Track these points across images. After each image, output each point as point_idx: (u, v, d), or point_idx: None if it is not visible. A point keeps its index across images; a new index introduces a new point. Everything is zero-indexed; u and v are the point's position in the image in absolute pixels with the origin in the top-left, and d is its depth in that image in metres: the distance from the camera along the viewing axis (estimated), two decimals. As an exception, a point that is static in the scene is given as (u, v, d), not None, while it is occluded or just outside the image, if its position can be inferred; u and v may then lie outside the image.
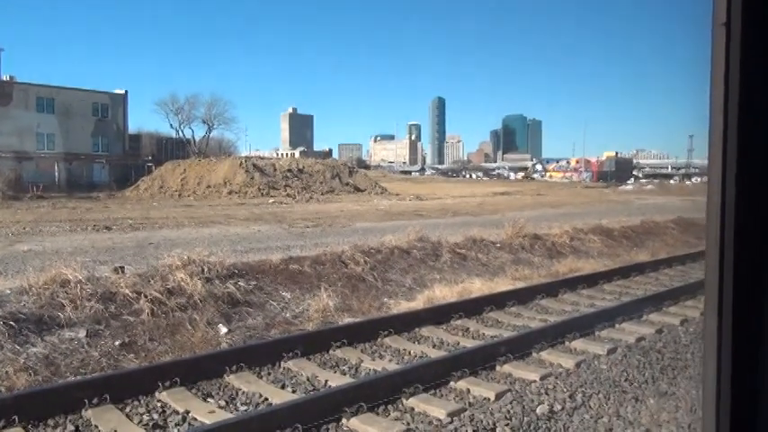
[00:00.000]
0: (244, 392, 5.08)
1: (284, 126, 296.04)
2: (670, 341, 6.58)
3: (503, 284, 9.54)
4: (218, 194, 41.20)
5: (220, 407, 4.77)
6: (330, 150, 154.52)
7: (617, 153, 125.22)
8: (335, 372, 5.67)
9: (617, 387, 5.15)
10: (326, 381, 5.36)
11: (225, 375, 5.35)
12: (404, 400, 4.78)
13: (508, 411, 4.58)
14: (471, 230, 12.70)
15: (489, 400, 4.89)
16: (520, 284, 9.59)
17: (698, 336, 6.74)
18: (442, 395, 5.02)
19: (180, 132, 72.33)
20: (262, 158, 61.34)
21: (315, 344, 6.19)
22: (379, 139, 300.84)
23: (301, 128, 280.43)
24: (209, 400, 4.94)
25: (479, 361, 5.65)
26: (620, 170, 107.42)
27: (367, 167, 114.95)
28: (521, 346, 6.08)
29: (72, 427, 4.33)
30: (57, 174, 49.97)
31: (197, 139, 72.92)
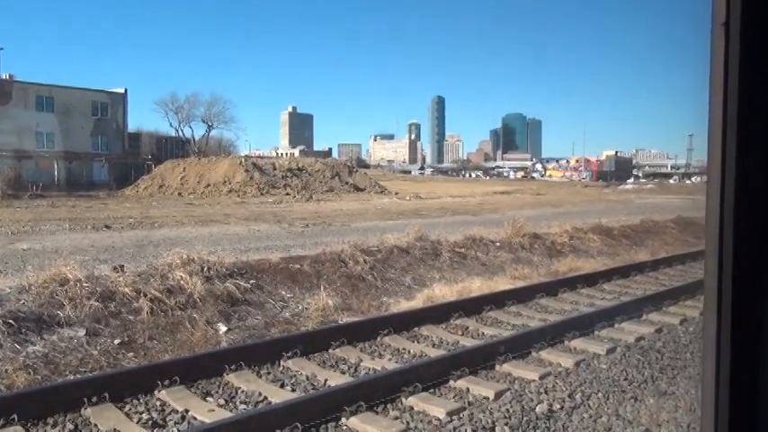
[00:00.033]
0: (243, 391, 5.08)
1: (284, 125, 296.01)
2: (669, 341, 6.59)
3: (502, 284, 9.54)
4: (218, 193, 41.19)
5: (220, 406, 4.78)
6: (330, 149, 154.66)
7: (616, 152, 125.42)
8: (335, 371, 5.67)
9: (616, 386, 5.15)
10: (326, 380, 5.37)
11: (224, 374, 5.35)
12: (403, 400, 4.79)
13: (507, 410, 4.58)
14: (471, 229, 12.69)
15: (489, 399, 4.89)
16: (519, 284, 9.59)
17: (697, 335, 6.74)
18: (441, 394, 5.02)
19: (179, 131, 72.37)
20: (261, 158, 61.36)
21: (314, 343, 6.19)
22: (378, 138, 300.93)
23: (301, 127, 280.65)
24: (208, 398, 4.95)
25: (479, 360, 5.65)
26: (620, 169, 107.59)
27: (367, 167, 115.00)
28: (520, 346, 6.09)
29: (71, 426, 4.33)
30: (56, 172, 49.93)
31: (197, 138, 72.95)
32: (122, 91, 60.27)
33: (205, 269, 7.93)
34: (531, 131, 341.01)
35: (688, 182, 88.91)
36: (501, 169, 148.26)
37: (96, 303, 6.60)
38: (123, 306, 6.84)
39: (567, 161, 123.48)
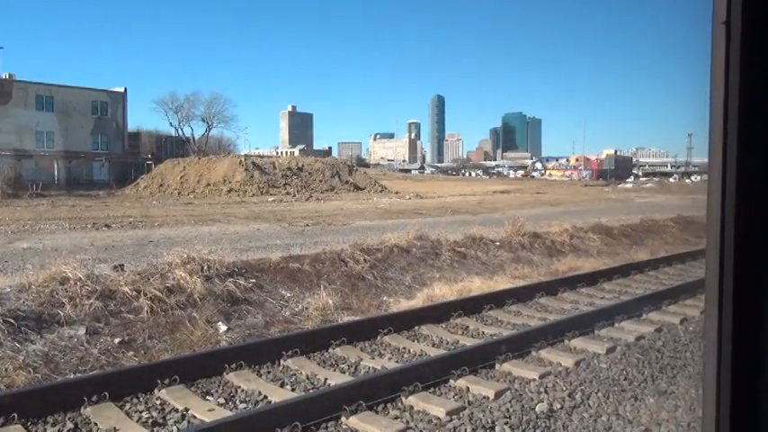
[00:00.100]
0: (243, 390, 5.09)
1: (284, 124, 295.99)
2: (669, 340, 6.59)
3: (502, 283, 9.54)
4: (218, 193, 41.15)
5: (220, 405, 4.78)
6: (330, 149, 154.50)
7: (616, 151, 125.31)
8: (335, 370, 5.67)
9: (616, 386, 5.15)
10: (326, 379, 5.37)
11: (224, 373, 5.35)
12: (403, 399, 4.79)
13: (507, 410, 4.58)
14: (471, 229, 12.69)
15: (489, 398, 4.89)
16: (519, 283, 9.59)
17: (697, 335, 6.74)
18: (441, 393, 5.02)
19: (179, 131, 72.40)
20: (261, 157, 61.38)
21: (314, 342, 6.19)
22: (378, 137, 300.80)
23: (301, 126, 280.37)
24: (208, 398, 4.95)
25: (479, 359, 5.65)
26: (620, 168, 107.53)
27: (366, 166, 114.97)
28: (520, 345, 6.09)
29: (71, 425, 4.33)
30: (56, 172, 49.90)
31: (196, 137, 73.00)
32: (122, 90, 60.28)
33: (205, 268, 7.93)
34: (530, 130, 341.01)
35: (688, 181, 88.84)
36: (501, 168, 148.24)
37: (96, 302, 6.60)
38: (123, 305, 6.84)
39: (567, 160, 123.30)
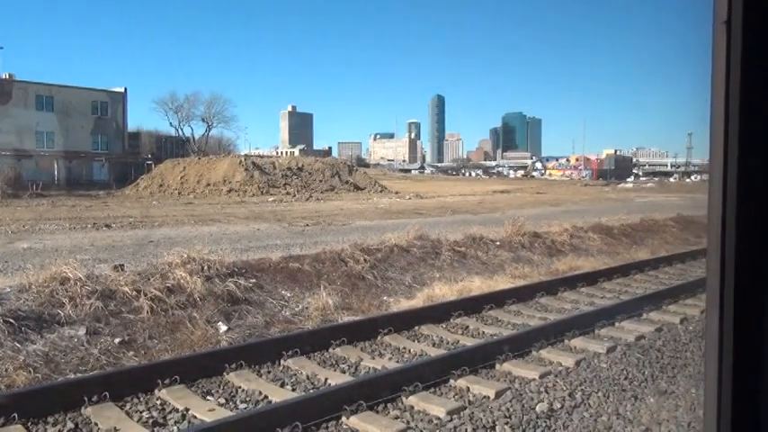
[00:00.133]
0: (243, 390, 5.09)
1: (284, 124, 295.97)
2: (670, 339, 6.59)
3: (502, 283, 9.54)
4: (218, 193, 41.16)
5: (220, 405, 4.77)
6: (330, 148, 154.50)
7: (616, 151, 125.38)
8: (335, 370, 5.67)
9: (617, 385, 5.15)
10: (326, 379, 5.37)
11: (225, 373, 5.35)
12: (404, 399, 4.78)
13: (508, 410, 4.58)
14: (471, 229, 12.69)
15: (489, 398, 4.89)
16: (519, 283, 9.59)
17: (697, 334, 6.74)
18: (441, 393, 5.02)
19: (179, 131, 72.43)
20: (261, 157, 61.38)
21: (315, 342, 6.19)
22: (378, 137, 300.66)
23: (301, 126, 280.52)
24: (208, 397, 4.95)
25: (479, 359, 5.65)
26: (620, 168, 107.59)
27: (366, 166, 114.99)
28: (520, 345, 6.08)
29: (72, 425, 4.33)
30: (56, 172, 49.91)
31: (196, 137, 73.04)
32: (122, 90, 60.28)
33: (205, 268, 7.92)
34: (530, 130, 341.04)
35: (688, 180, 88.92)
36: (501, 168, 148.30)
37: (96, 302, 6.59)
38: (123, 305, 6.84)
39: (567, 160, 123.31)
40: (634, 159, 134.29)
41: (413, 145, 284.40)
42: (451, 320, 7.40)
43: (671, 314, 7.76)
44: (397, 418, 4.51)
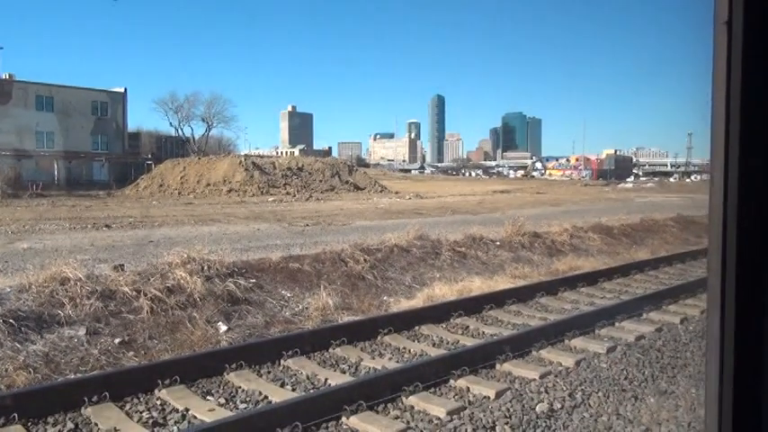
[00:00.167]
0: (243, 390, 5.09)
1: (284, 124, 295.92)
2: (670, 339, 6.59)
3: (502, 283, 9.54)
4: (218, 193, 41.16)
5: (220, 405, 4.78)
6: (330, 148, 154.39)
7: (616, 151, 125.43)
8: (335, 370, 5.67)
9: (617, 385, 5.15)
10: (326, 379, 5.37)
11: (225, 373, 5.35)
12: (404, 399, 4.78)
13: (508, 410, 4.58)
14: (471, 229, 12.69)
15: (489, 398, 4.89)
16: (520, 283, 9.59)
17: (697, 334, 6.74)
18: (441, 393, 5.02)
19: (179, 131, 72.44)
20: (261, 157, 61.37)
21: (315, 342, 6.19)
22: (378, 137, 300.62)
23: (301, 126, 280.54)
24: (208, 398, 4.95)
25: (479, 359, 5.65)
26: (620, 168, 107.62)
27: (366, 166, 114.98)
28: (520, 345, 6.08)
29: (72, 425, 4.33)
30: (56, 172, 49.90)
31: (196, 137, 73.06)
32: (122, 90, 60.29)
33: (205, 268, 7.92)
34: (530, 130, 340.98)
35: (688, 180, 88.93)
36: (501, 168, 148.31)
37: (96, 303, 6.60)
38: (123, 305, 6.84)
39: (567, 160, 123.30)
40: (634, 159, 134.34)
41: (413, 145, 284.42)
42: (452, 320, 7.40)
43: (671, 314, 7.76)
44: (397, 418, 4.51)
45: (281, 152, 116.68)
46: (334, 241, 11.98)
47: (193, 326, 6.74)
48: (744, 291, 1.02)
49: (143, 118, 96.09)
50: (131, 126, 64.59)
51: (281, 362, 5.77)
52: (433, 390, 5.03)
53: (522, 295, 8.52)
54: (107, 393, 4.59)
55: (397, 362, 5.89)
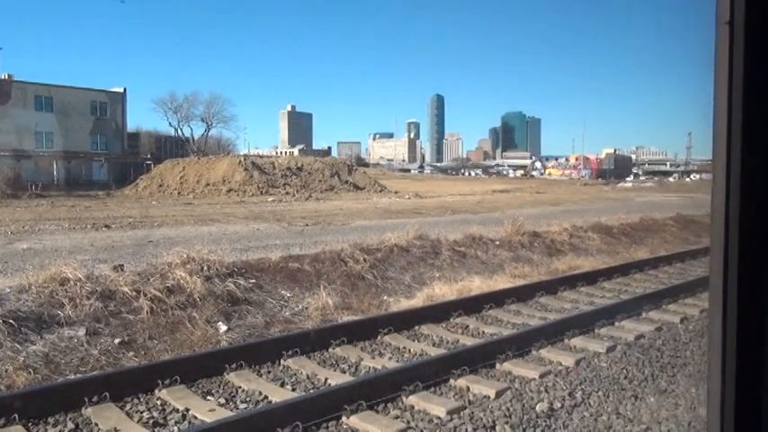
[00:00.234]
0: (244, 390, 5.09)
1: (283, 124, 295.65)
2: (669, 339, 6.59)
3: (502, 282, 9.54)
4: (218, 193, 41.14)
5: (220, 405, 4.78)
6: (329, 148, 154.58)
7: (616, 150, 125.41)
8: (335, 370, 5.67)
9: (616, 385, 5.15)
10: (326, 379, 5.37)
11: (225, 373, 5.35)
12: (404, 398, 4.79)
13: (508, 409, 4.58)
14: (470, 228, 12.69)
15: (489, 398, 4.89)
16: (519, 282, 9.59)
17: (697, 333, 6.75)
18: (441, 393, 5.02)
19: (179, 131, 72.44)
20: (261, 157, 61.34)
21: (314, 342, 6.19)
22: (378, 136, 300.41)
23: (300, 126, 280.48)
24: (208, 398, 4.95)
25: (479, 359, 5.65)
26: (620, 167, 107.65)
27: (366, 165, 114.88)
28: (520, 344, 6.09)
29: (72, 425, 4.33)
30: (55, 172, 49.87)
31: (196, 137, 73.05)
32: (121, 90, 60.27)
33: (205, 268, 7.92)
34: (530, 129, 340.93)
35: (687, 180, 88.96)
36: (500, 167, 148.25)
37: (96, 303, 6.60)
38: (123, 305, 6.84)
39: (567, 159, 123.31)
40: (634, 159, 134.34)
41: (412, 144, 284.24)
42: (451, 320, 7.40)
43: (671, 313, 7.77)
44: (397, 417, 4.52)
45: (281, 152, 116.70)
46: (333, 241, 11.98)
47: (193, 326, 6.73)
48: (745, 290, 1.02)
49: (142, 118, 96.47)
50: (131, 126, 64.69)
51: (281, 362, 5.77)
52: (433, 389, 5.03)
53: (521, 295, 8.52)
54: (107, 393, 4.59)
55: (397, 361, 5.89)
